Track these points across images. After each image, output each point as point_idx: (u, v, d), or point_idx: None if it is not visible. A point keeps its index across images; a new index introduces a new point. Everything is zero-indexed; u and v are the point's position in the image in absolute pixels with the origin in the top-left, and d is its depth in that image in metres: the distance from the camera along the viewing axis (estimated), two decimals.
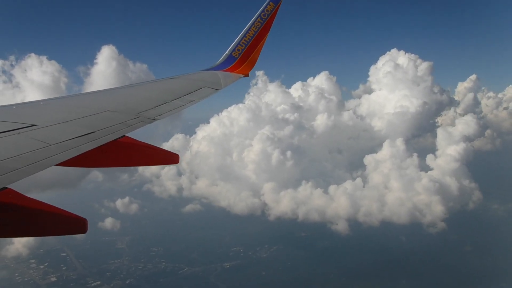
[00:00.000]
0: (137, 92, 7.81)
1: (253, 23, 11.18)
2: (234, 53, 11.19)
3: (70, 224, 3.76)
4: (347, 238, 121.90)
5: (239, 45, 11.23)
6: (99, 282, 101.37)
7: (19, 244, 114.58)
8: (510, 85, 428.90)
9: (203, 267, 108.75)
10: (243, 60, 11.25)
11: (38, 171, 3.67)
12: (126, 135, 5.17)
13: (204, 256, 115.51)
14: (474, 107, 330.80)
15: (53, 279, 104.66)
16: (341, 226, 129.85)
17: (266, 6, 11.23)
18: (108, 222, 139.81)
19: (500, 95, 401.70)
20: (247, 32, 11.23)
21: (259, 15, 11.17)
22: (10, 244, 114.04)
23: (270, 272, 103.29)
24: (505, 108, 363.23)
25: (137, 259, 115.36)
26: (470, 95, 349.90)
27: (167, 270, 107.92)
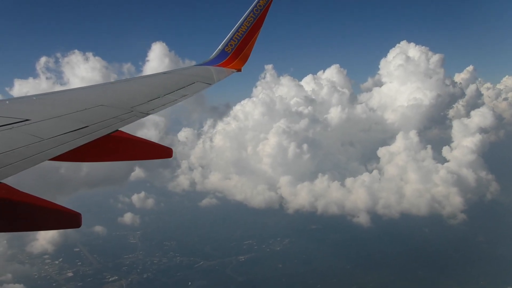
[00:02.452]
0: (130, 86, 7.94)
1: (245, 19, 11.24)
2: (226, 48, 11.30)
3: (64, 218, 3.80)
4: (368, 231, 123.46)
5: (231, 40, 11.33)
6: (116, 277, 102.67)
7: (44, 241, 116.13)
8: (507, 76, 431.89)
9: (219, 261, 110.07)
10: (236, 55, 11.35)
11: (32, 166, 3.70)
12: (119, 129, 5.19)
13: (218, 249, 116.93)
14: (476, 99, 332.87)
15: (70, 274, 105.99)
16: (363, 219, 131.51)
17: (258, 1, 11.32)
18: (128, 217, 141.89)
19: (499, 86, 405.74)
20: (239, 27, 11.30)
21: (252, 10, 11.24)
22: (34, 240, 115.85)
23: (287, 264, 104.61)
24: (505, 99, 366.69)
25: (152, 254, 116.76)
26: (473, 87, 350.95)
27: (183, 264, 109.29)
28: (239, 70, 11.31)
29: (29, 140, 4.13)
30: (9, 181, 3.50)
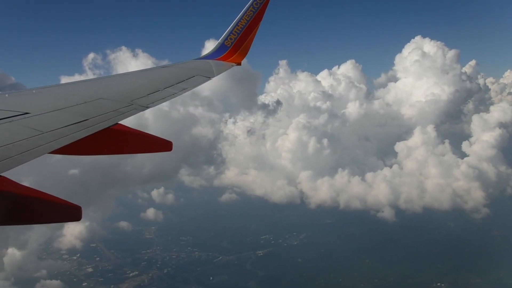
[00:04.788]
0: (130, 80, 7.99)
1: (245, 12, 11.22)
2: (226, 42, 11.28)
3: (65, 211, 3.84)
4: (392, 225, 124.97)
5: (231, 34, 11.29)
6: (137, 272, 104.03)
7: (71, 237, 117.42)
8: (509, 70, 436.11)
9: (237, 255, 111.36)
10: (236, 49, 11.30)
11: (32, 159, 3.70)
12: (119, 122, 5.22)
13: (235, 244, 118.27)
14: (483, 93, 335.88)
15: (90, 269, 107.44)
16: (387, 213, 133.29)
17: None
18: (150, 213, 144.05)
19: (502, 81, 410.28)
20: (239, 21, 11.27)
21: (251, 4, 11.23)
22: (62, 236, 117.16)
23: (306, 259, 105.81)
24: (510, 93, 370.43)
25: (169, 249, 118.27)
26: (481, 82, 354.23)
27: (201, 259, 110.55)
28: (239, 64, 11.28)
29: (29, 133, 4.17)
30: (10, 174, 3.51)
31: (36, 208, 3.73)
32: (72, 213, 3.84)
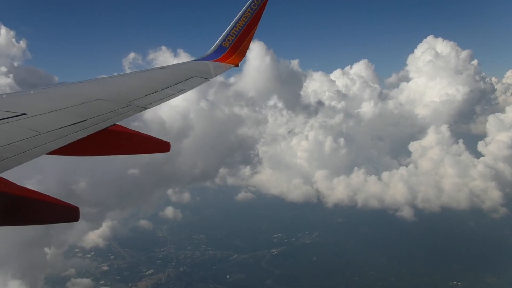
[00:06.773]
0: (128, 81, 8.05)
1: (243, 13, 11.26)
2: (224, 43, 11.30)
3: (62, 212, 3.85)
4: (412, 224, 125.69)
5: (229, 35, 11.30)
6: (152, 270, 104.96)
7: (94, 235, 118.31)
8: (510, 70, 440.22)
9: (251, 254, 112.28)
10: (234, 50, 11.31)
11: (30, 160, 3.71)
12: (117, 123, 5.23)
13: (248, 243, 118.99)
14: (490, 94, 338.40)
15: (105, 268, 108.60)
16: (406, 213, 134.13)
17: None
18: (169, 211, 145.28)
19: (505, 81, 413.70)
20: (237, 22, 11.30)
21: (249, 5, 11.28)
22: (85, 235, 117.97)
23: (321, 257, 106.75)
24: None
25: (183, 247, 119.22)
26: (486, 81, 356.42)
27: (216, 257, 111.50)
28: (237, 65, 11.31)
29: (27, 134, 4.18)
30: (8, 175, 3.53)
31: (33, 209, 3.73)
32: (69, 213, 3.84)
